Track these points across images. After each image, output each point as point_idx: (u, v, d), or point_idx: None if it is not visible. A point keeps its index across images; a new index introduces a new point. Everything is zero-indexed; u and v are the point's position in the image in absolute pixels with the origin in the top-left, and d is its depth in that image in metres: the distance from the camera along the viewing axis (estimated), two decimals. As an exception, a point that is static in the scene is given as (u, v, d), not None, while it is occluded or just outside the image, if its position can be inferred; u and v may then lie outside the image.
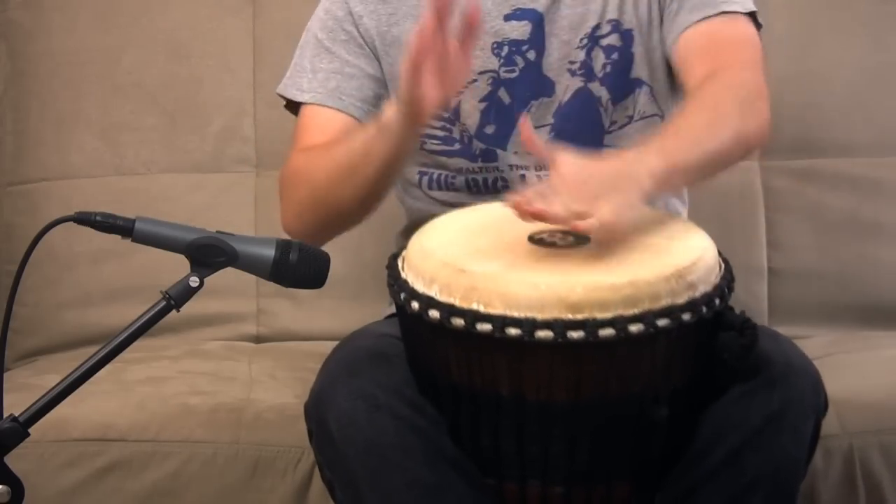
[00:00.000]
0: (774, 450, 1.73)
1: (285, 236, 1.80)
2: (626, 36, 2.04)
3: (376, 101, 2.06)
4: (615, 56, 2.03)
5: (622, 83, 2.04)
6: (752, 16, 2.01)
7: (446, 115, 2.04)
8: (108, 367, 1.61)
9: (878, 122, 2.54)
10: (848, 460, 2.09)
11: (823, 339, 2.43)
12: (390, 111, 1.85)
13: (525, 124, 1.78)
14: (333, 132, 2.03)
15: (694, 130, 1.81)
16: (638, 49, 2.04)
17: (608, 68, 2.04)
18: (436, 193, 2.10)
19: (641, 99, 2.06)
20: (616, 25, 2.04)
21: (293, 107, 2.09)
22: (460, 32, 1.79)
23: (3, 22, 2.58)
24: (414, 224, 2.03)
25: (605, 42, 2.04)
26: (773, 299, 2.53)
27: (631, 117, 2.05)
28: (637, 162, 1.72)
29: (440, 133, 2.06)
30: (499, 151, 2.06)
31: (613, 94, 2.04)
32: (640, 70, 2.05)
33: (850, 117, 2.54)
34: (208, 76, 2.57)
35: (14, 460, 1.58)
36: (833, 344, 2.40)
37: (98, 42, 2.57)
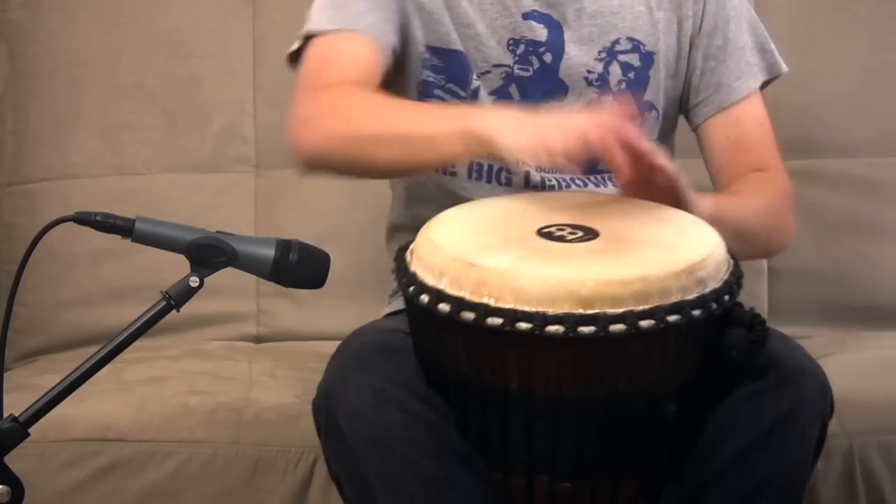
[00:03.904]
0: (783, 452, 1.73)
1: (285, 236, 1.78)
2: (646, 58, 2.02)
3: (402, 31, 1.97)
4: (631, 75, 2.02)
5: (635, 103, 2.01)
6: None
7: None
8: (108, 367, 1.61)
9: (878, 122, 2.55)
10: (848, 460, 2.10)
11: (823, 339, 2.44)
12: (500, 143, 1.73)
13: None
14: (366, 60, 1.92)
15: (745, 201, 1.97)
16: (655, 74, 2.03)
17: (623, 85, 2.02)
18: (434, 175, 2.03)
19: (649, 122, 2.04)
20: (637, 45, 2.02)
21: (295, 58, 1.97)
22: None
23: (3, 22, 2.57)
24: (407, 196, 2.03)
25: (623, 58, 2.02)
26: (773, 299, 2.54)
27: None
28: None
29: None
30: None
31: None
32: (653, 94, 2.04)
33: (850, 117, 2.55)
34: (208, 76, 2.57)
35: (14, 460, 1.57)
36: (833, 344, 2.40)
37: (98, 42, 2.57)
